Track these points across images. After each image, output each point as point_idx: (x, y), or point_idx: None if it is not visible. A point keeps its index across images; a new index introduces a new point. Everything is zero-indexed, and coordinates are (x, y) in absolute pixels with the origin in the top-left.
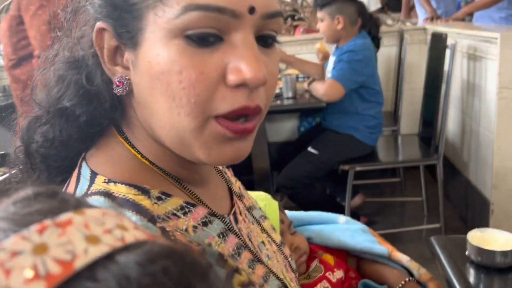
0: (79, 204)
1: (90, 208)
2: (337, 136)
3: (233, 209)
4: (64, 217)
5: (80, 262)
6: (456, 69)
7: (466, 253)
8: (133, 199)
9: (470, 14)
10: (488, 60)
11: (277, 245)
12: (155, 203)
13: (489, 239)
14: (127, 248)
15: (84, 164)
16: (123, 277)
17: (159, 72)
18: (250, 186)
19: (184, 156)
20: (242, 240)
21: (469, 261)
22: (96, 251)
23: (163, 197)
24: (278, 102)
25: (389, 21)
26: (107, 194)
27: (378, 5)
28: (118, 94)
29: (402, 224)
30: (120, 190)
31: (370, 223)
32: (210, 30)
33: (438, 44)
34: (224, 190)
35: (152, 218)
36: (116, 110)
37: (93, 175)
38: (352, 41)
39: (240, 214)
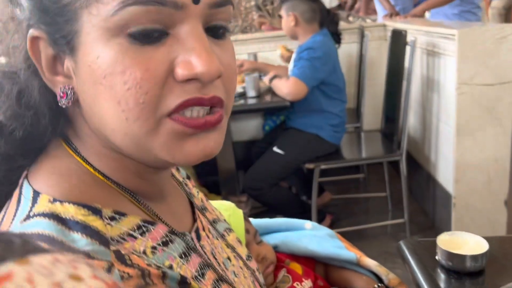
0: (25, 249)
1: (37, 255)
2: (302, 135)
3: (195, 225)
4: (3, 270)
5: None
6: (416, 66)
7: (436, 257)
8: (83, 220)
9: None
10: (447, 56)
11: (243, 260)
12: (108, 223)
13: (458, 242)
14: None
15: (25, 183)
16: None
17: (101, 76)
18: (215, 187)
19: (147, 161)
20: (205, 259)
21: (439, 266)
22: None
23: (117, 216)
24: (242, 101)
25: (350, 18)
26: (53, 216)
27: (336, 2)
28: (63, 107)
29: (367, 220)
30: (68, 210)
31: (335, 220)
32: (153, 25)
33: (398, 40)
34: (185, 204)
35: (104, 241)
36: (58, 124)
37: (36, 194)
38: (311, 38)
39: (203, 229)
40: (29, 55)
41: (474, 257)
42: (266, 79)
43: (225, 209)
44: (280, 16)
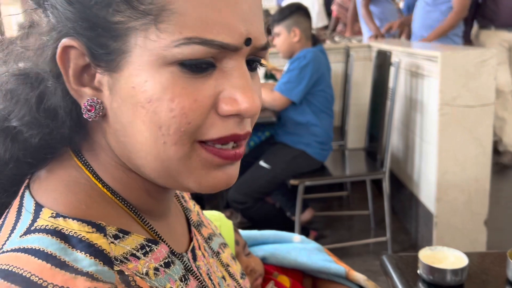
0: None
1: None
2: (289, 151)
3: (192, 244)
4: None
5: None
6: (400, 86)
7: (418, 271)
8: (87, 237)
9: (409, 32)
10: (430, 78)
11: (236, 280)
12: (112, 242)
13: (439, 257)
14: None
15: (27, 194)
16: None
17: (145, 100)
18: (199, 201)
19: (169, 186)
20: (201, 282)
21: (421, 280)
22: None
23: (121, 235)
24: None
25: (337, 38)
26: (55, 232)
27: (325, 22)
28: (89, 120)
29: (350, 237)
30: (71, 226)
31: (319, 237)
32: (205, 59)
33: (383, 61)
34: (182, 222)
35: (108, 261)
36: (76, 135)
37: (38, 208)
38: (304, 50)
39: (199, 248)
40: (57, 62)
41: (455, 271)
42: None
43: (215, 219)
44: (271, 34)
